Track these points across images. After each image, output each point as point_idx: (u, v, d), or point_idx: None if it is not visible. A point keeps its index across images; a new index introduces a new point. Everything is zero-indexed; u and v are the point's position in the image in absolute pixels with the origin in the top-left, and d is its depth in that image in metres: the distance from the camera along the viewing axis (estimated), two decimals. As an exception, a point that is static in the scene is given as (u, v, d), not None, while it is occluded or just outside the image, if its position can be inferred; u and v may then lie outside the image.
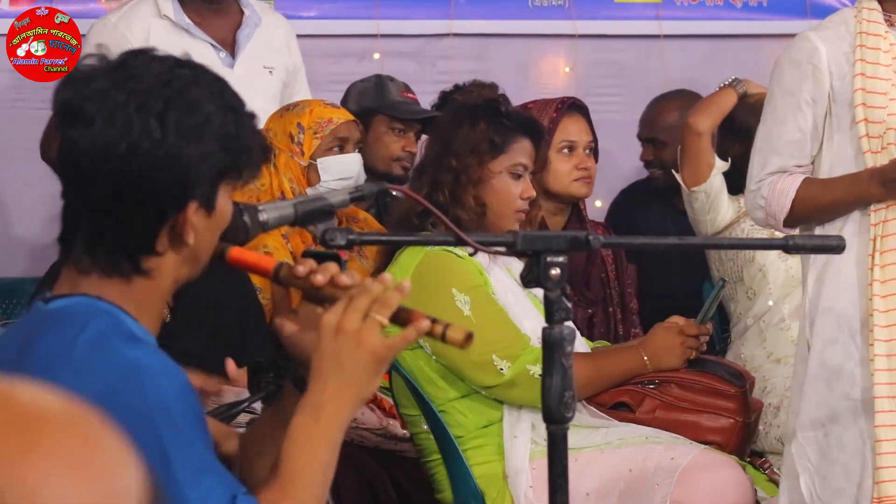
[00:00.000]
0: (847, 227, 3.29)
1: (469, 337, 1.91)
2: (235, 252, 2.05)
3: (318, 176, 4.01)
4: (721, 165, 4.53)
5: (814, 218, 3.36)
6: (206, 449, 1.88)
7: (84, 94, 1.91)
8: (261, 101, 4.39)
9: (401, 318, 1.93)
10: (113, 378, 1.84)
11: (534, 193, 3.61)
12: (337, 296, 1.96)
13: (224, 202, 1.98)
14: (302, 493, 1.91)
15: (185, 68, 1.96)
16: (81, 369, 1.85)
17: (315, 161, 4.01)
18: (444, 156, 3.55)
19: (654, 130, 5.00)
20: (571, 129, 4.17)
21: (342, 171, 4.02)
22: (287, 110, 4.13)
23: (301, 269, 2.01)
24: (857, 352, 3.27)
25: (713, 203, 4.52)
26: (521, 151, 3.58)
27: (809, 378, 3.32)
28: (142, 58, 1.95)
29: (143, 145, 1.89)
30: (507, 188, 3.56)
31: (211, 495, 1.83)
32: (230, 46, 4.51)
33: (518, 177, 3.57)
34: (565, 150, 4.16)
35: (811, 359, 3.32)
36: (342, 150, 4.05)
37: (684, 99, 5.05)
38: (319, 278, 1.99)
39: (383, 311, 1.92)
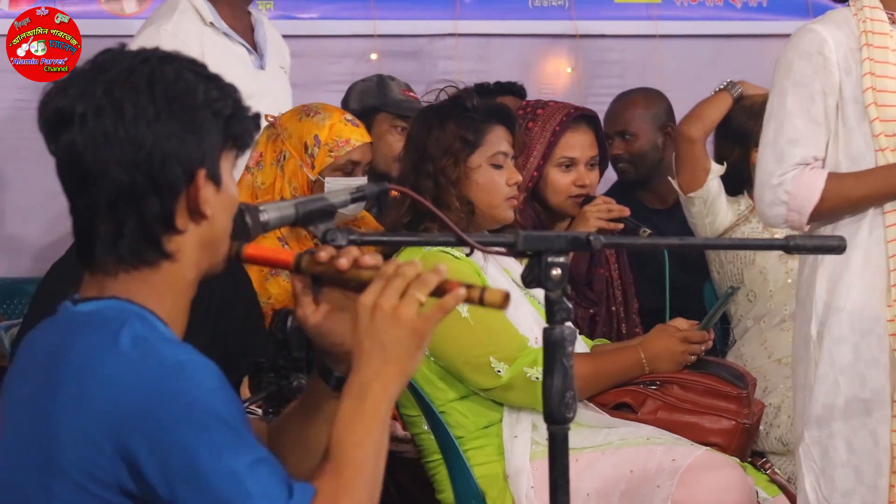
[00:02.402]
0: (862, 226, 3.26)
1: (507, 297, 1.93)
2: (251, 248, 2.06)
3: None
4: (717, 169, 4.51)
5: (840, 212, 3.27)
6: (255, 440, 1.88)
7: (68, 98, 1.93)
8: (284, 102, 4.39)
9: (437, 289, 1.94)
10: (159, 379, 1.85)
11: (520, 178, 3.61)
12: (361, 277, 1.97)
13: (228, 178, 2.00)
14: (357, 475, 1.89)
15: (157, 51, 1.99)
16: (130, 366, 1.86)
17: (323, 178, 3.95)
18: (420, 163, 3.54)
19: (622, 124, 4.95)
20: (573, 144, 4.09)
21: None
22: (306, 115, 4.00)
23: (323, 255, 2.02)
24: (869, 351, 3.24)
25: (711, 207, 4.51)
26: (496, 141, 3.58)
27: (819, 378, 3.29)
28: (111, 52, 1.98)
29: (140, 123, 1.91)
30: (492, 179, 3.56)
31: (270, 485, 1.84)
32: (255, 49, 4.51)
33: (499, 166, 3.57)
34: (564, 166, 4.11)
35: (821, 359, 3.28)
36: (351, 173, 3.96)
37: (649, 94, 5.03)
38: (343, 262, 2.00)
39: (422, 289, 1.92)
